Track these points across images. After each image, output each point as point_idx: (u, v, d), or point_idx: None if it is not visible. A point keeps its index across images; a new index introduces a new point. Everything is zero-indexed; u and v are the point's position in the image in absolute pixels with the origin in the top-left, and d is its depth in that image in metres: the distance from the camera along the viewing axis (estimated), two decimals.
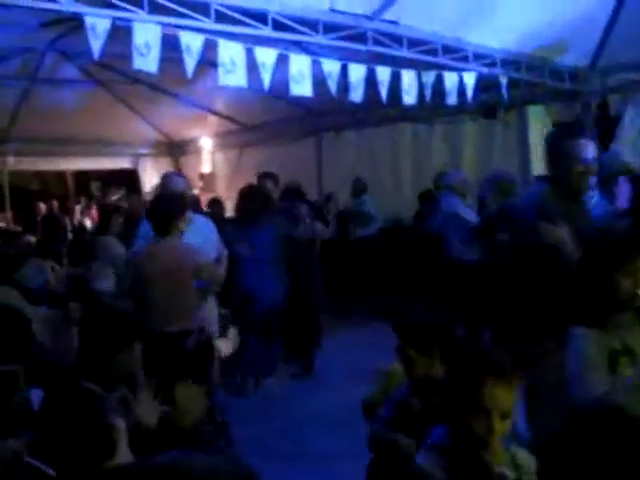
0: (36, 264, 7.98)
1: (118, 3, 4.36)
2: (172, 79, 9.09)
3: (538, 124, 8.07)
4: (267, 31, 5.03)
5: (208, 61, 6.47)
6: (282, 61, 5.27)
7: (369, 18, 5.65)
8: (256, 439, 5.18)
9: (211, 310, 5.51)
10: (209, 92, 10.03)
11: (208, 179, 12.50)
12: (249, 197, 7.03)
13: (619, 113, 7.74)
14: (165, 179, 6.10)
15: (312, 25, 5.39)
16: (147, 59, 4.42)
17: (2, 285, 5.90)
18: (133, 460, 2.15)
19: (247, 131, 11.71)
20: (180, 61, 5.81)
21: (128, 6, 4.40)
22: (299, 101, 9.41)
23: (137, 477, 2.00)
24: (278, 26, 5.13)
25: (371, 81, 5.87)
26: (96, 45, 4.27)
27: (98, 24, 4.30)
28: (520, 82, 7.32)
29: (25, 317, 5.53)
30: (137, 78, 9.75)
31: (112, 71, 9.58)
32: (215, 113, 11.36)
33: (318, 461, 4.99)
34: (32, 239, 9.32)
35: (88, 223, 13.25)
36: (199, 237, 5.34)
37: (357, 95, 5.72)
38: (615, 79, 7.76)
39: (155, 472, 1.99)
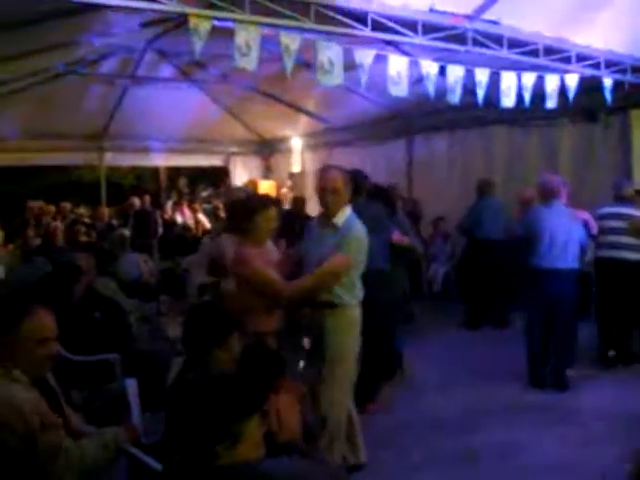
0: (130, 257, 8.24)
1: (220, 4, 4.42)
2: (265, 79, 9.24)
3: None
4: (366, 31, 5.01)
5: (301, 61, 6.54)
6: (382, 62, 5.24)
7: (469, 18, 5.55)
8: None
9: None
10: (301, 92, 10.10)
11: (297, 178, 12.58)
12: None
13: None
14: None
15: (411, 25, 5.33)
16: (248, 58, 4.46)
17: (101, 277, 6.10)
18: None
19: (337, 131, 11.73)
20: (273, 61, 5.90)
21: (231, 7, 4.46)
22: (390, 102, 9.37)
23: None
24: (377, 26, 5.10)
25: (468, 83, 5.78)
26: (198, 45, 4.34)
27: (201, 25, 4.37)
28: (624, 85, 7.03)
29: (122, 309, 5.73)
30: (230, 78, 9.91)
31: (207, 70, 9.77)
32: (306, 113, 11.42)
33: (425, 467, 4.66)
34: (126, 233, 9.58)
35: (179, 219, 13.53)
36: None
37: (454, 97, 5.63)
38: None
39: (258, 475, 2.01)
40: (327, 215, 4.16)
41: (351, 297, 4.11)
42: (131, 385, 4.19)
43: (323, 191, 4.10)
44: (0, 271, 8.98)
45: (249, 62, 4.50)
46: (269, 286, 4.02)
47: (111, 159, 12.57)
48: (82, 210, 14.10)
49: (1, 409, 2.56)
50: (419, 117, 10.12)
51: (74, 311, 5.01)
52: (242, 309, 3.70)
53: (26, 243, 8.81)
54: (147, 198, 13.50)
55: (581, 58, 6.41)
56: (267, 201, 4.48)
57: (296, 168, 12.72)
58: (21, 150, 11.21)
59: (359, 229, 4.09)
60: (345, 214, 4.12)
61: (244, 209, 4.37)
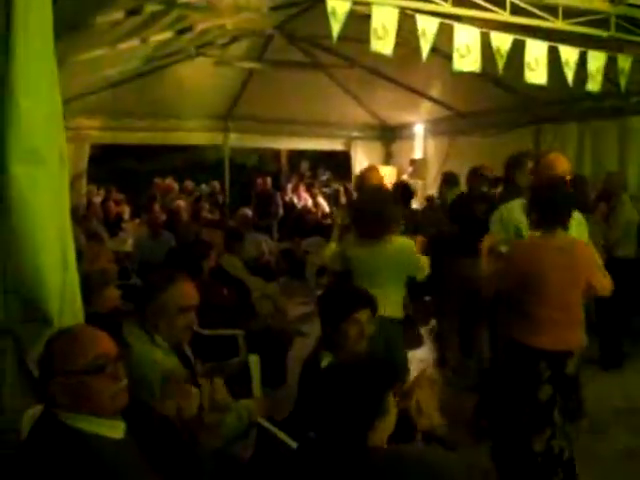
0: (253, 238, 8.43)
1: None
2: (389, 63, 9.18)
3: None
4: (505, 15, 4.87)
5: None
6: (520, 48, 5.08)
7: (612, 1, 5.29)
8: None
9: None
10: (425, 77, 9.97)
11: (419, 165, 12.45)
12: None
13: None
14: None
15: (551, 10, 5.14)
16: (384, 42, 4.44)
17: (229, 255, 6.27)
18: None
19: (460, 118, 11.50)
20: (401, 45, 5.82)
21: None
22: (517, 89, 9.10)
23: (394, 462, 2.04)
24: (515, 10, 4.95)
25: (612, 70, 5.52)
26: (336, 28, 4.34)
27: (338, 7, 4.37)
28: None
29: (247, 287, 5.87)
30: (356, 62, 9.91)
31: (333, 54, 9.81)
32: (429, 98, 11.27)
33: None
34: (249, 213, 9.79)
35: (299, 201, 13.70)
36: None
37: (595, 85, 5.39)
38: None
39: (410, 461, 2.02)
40: None
41: None
42: (253, 361, 4.29)
43: None
44: (128, 244, 9.41)
45: (385, 46, 4.47)
46: None
47: (235, 140, 12.83)
48: (204, 188, 14.53)
49: (145, 370, 2.68)
50: (547, 106, 9.76)
51: (203, 286, 5.17)
52: None
53: (153, 218, 9.15)
54: (268, 180, 13.74)
55: None
56: None
57: (418, 154, 12.58)
58: (149, 129, 11.61)
59: None
60: None
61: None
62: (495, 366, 5.01)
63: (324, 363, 3.02)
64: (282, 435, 2.79)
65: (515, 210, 4.78)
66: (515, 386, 3.98)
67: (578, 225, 4.59)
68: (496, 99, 10.12)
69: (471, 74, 5.91)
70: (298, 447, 2.42)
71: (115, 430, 2.25)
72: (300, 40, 9.59)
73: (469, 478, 2.15)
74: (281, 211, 12.29)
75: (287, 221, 11.47)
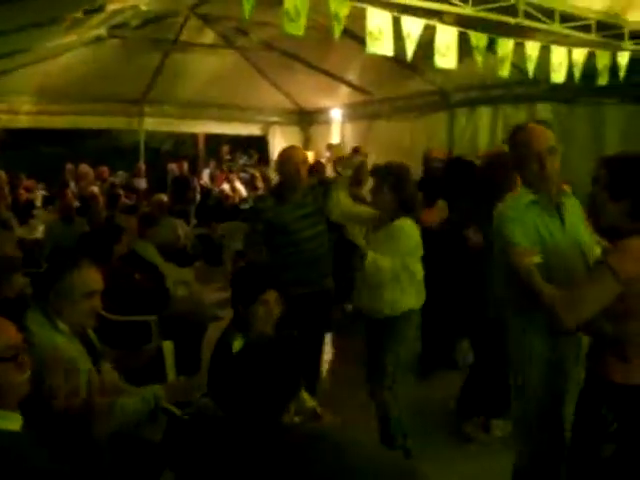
0: (168, 222, 8.29)
1: None
2: (306, 48, 9.17)
3: None
4: (414, 0, 4.91)
5: (345, 30, 6.42)
6: (431, 33, 5.14)
7: None
8: None
9: None
10: (343, 62, 10.00)
11: (336, 150, 12.47)
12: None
13: None
14: None
15: None
16: (296, 24, 4.40)
17: (141, 240, 6.15)
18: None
19: (377, 103, 11.60)
20: (317, 29, 5.82)
21: None
22: (433, 74, 9.24)
23: (309, 442, 2.04)
24: None
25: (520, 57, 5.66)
26: (247, 7, 4.28)
27: None
28: None
29: (161, 272, 5.78)
30: (272, 45, 9.85)
31: (249, 38, 9.72)
32: (347, 83, 11.31)
33: None
34: (164, 198, 9.63)
35: (216, 186, 13.56)
36: None
37: (504, 70, 5.52)
38: None
39: (326, 441, 2.03)
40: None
41: None
42: (167, 347, 4.24)
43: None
44: (39, 231, 9.13)
45: (297, 28, 4.43)
46: None
47: (151, 124, 12.60)
48: (121, 174, 14.22)
49: (45, 356, 2.61)
50: (461, 91, 9.97)
51: (114, 271, 5.06)
52: None
53: (65, 204, 8.90)
54: (185, 164, 13.56)
55: (635, 36, 6.24)
56: None
57: (335, 139, 12.63)
58: (62, 113, 11.26)
59: None
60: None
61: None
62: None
63: (235, 344, 3.03)
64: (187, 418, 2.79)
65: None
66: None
67: None
68: (412, 84, 10.26)
69: (387, 59, 6.00)
70: (201, 426, 2.39)
71: (11, 422, 2.18)
72: (215, 22, 9.45)
73: (384, 462, 2.16)
74: (198, 196, 12.15)
75: (204, 206, 11.33)
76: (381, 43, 4.75)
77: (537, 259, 3.14)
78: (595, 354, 2.89)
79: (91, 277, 2.88)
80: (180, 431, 2.70)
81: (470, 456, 4.70)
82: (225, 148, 15.26)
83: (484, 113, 9.91)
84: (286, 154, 5.12)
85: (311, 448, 2.01)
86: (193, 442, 2.21)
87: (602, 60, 6.04)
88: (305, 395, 3.32)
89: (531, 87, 8.40)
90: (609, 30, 6.05)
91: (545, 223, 3.31)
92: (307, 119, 13.65)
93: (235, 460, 2.03)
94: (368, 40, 4.73)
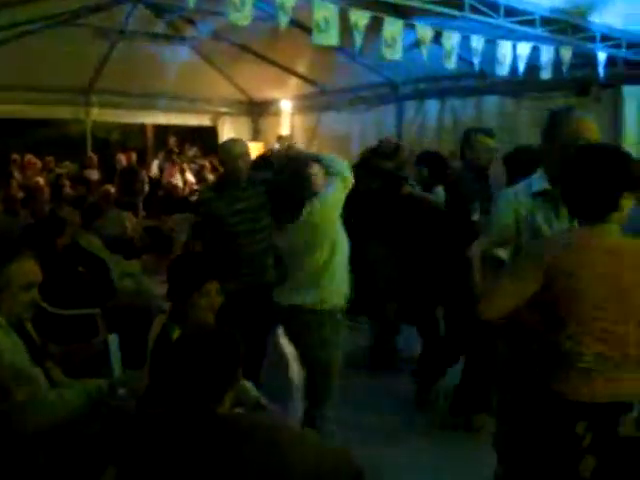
0: (115, 214, 8.17)
1: None
2: (256, 39, 9.13)
3: (633, 105, 7.72)
4: None
5: (295, 22, 6.44)
6: (378, 25, 5.17)
7: None
8: None
9: None
10: (292, 54, 9.99)
11: (286, 141, 12.47)
12: None
13: None
14: None
15: None
16: (241, 14, 4.39)
17: (86, 232, 6.05)
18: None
19: (327, 95, 11.63)
20: (266, 20, 5.81)
21: None
22: (382, 67, 9.30)
23: (247, 430, 2.03)
24: None
25: (463, 50, 5.73)
26: None
27: None
28: (618, 60, 7.01)
29: (106, 264, 5.69)
30: (222, 36, 9.78)
31: (198, 28, 9.63)
32: (297, 75, 11.31)
33: None
34: (112, 189, 9.48)
35: (166, 177, 13.39)
36: None
37: (451, 63, 5.58)
38: None
39: (265, 429, 2.02)
40: None
41: None
42: (112, 340, 4.18)
43: None
44: None
45: (242, 18, 4.42)
46: None
47: (98, 114, 12.41)
48: (68, 165, 13.94)
49: None
50: (411, 83, 10.06)
51: (57, 264, 4.97)
52: None
53: (9, 196, 8.70)
54: (133, 155, 13.36)
55: (576, 31, 6.37)
56: None
57: (285, 131, 12.62)
58: (6, 102, 11.01)
59: None
60: None
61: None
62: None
63: (174, 336, 3.00)
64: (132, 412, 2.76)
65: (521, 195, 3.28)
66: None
67: None
68: (362, 76, 10.31)
69: (337, 51, 6.01)
70: (143, 420, 2.37)
71: None
72: (164, 11, 9.34)
73: (321, 458, 2.17)
74: (146, 187, 11.97)
75: (153, 198, 11.17)
76: (327, 34, 4.76)
77: (502, 253, 3.03)
78: (547, 368, 2.59)
79: (29, 268, 2.82)
80: (122, 425, 2.67)
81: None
82: (172, 140, 15.06)
83: (432, 105, 10.01)
84: (225, 147, 4.90)
85: (244, 440, 2.01)
86: (135, 436, 2.19)
87: (546, 54, 6.15)
88: (248, 386, 3.31)
89: (478, 80, 8.52)
90: (553, 25, 6.16)
91: (547, 215, 3.07)
92: (257, 110, 13.61)
93: (173, 452, 2.02)
94: (314, 31, 4.74)
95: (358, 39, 4.97)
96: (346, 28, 5.05)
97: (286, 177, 4.00)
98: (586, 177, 2.53)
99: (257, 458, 1.97)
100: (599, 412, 2.45)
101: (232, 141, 5.02)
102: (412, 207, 5.48)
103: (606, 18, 6.46)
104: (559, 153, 2.97)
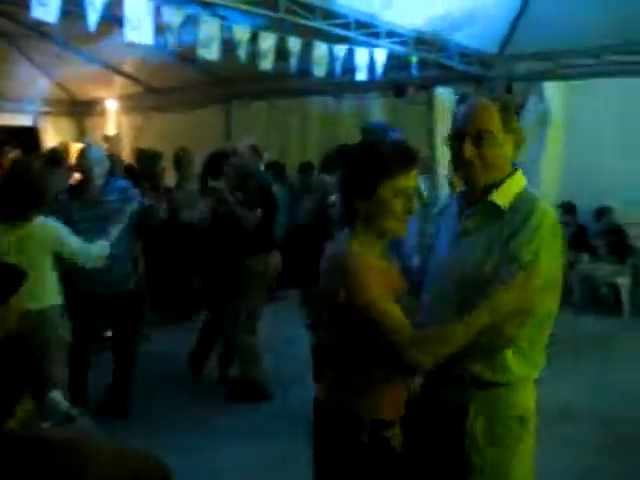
0: None
1: None
2: (79, 36, 8.77)
3: (446, 105, 8.20)
4: None
5: (116, 18, 6.25)
6: (192, 24, 5.13)
7: None
8: None
9: None
10: (116, 51, 9.70)
11: (113, 142, 12.10)
12: None
13: (522, 99, 7.99)
14: None
15: None
16: (47, 9, 4.21)
17: None
18: None
19: (154, 94, 11.39)
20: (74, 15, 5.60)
21: None
22: (209, 67, 9.24)
23: (34, 449, 1.96)
24: None
25: (282, 51, 5.81)
26: None
27: None
28: (430, 63, 7.41)
29: None
30: (43, 32, 9.33)
31: (17, 23, 9.13)
32: (121, 74, 11.01)
33: None
34: None
35: None
36: None
37: (267, 64, 5.65)
38: (520, 67, 8.02)
39: (56, 447, 1.95)
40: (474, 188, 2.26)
41: (531, 368, 2.21)
42: None
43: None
44: None
45: (48, 13, 4.24)
46: (390, 336, 2.01)
47: None
48: None
49: None
50: (238, 84, 10.07)
51: None
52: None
53: None
54: None
55: (390, 34, 6.65)
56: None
57: (111, 131, 12.24)
58: None
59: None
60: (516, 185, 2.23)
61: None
62: None
63: None
64: None
65: None
66: None
67: None
68: (189, 76, 10.19)
69: (163, 50, 5.86)
70: None
71: None
72: None
73: (119, 465, 2.13)
74: None
75: None
76: (140, 32, 4.67)
77: None
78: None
79: None
80: None
81: None
82: None
83: (259, 105, 10.11)
84: (82, 152, 4.81)
85: (29, 456, 1.94)
86: None
87: (361, 56, 6.37)
88: (57, 398, 3.18)
89: (302, 81, 8.69)
90: (367, 28, 6.39)
91: (450, 227, 2.37)
92: (81, 110, 13.08)
93: None
94: (126, 28, 4.64)
95: (171, 39, 4.92)
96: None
97: None
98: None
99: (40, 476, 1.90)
100: None
101: (89, 147, 4.96)
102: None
103: (420, 24, 6.81)
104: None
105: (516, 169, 2.23)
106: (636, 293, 7.62)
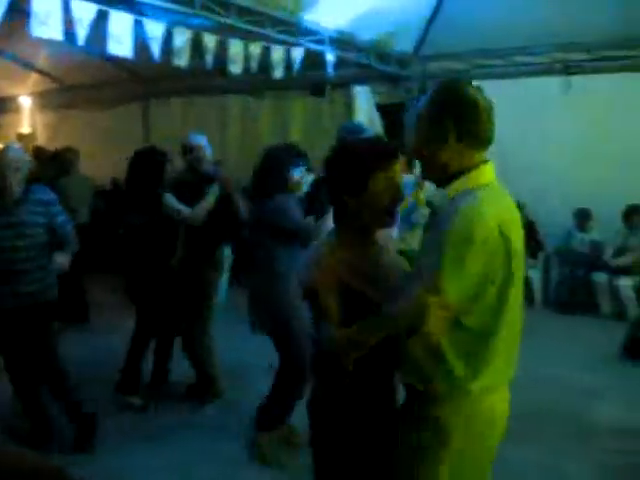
0: None
1: None
2: None
3: (364, 103, 8.31)
4: None
5: (27, 13, 6.06)
6: (104, 19, 5.04)
7: None
8: None
9: None
10: (30, 47, 9.44)
11: (27, 140, 11.76)
12: None
13: None
14: None
15: None
16: None
17: None
18: None
19: (69, 91, 11.13)
20: None
21: None
22: (125, 63, 9.07)
23: None
24: None
25: (198, 48, 5.77)
26: None
27: None
28: (348, 62, 7.49)
29: None
30: None
31: None
32: (36, 70, 10.71)
33: None
34: None
35: None
36: None
37: (182, 60, 5.59)
38: (435, 66, 8.20)
39: None
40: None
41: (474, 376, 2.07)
42: None
43: None
44: None
45: None
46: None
47: None
48: None
49: None
50: (155, 81, 9.92)
51: None
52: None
53: None
54: None
55: (307, 33, 6.68)
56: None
57: (25, 129, 11.90)
58: None
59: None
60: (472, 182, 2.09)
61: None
62: None
63: None
64: None
65: None
66: None
67: None
68: (105, 73, 9.98)
69: (76, 46, 5.70)
70: None
71: None
72: None
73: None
74: None
75: None
76: (48, 27, 4.55)
77: None
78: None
79: None
80: None
81: None
82: None
83: (178, 104, 10.00)
84: None
85: None
86: None
87: (277, 54, 6.38)
88: None
89: (221, 79, 8.64)
90: (284, 26, 6.41)
91: None
92: None
93: None
94: (33, 23, 4.51)
95: (82, 33, 4.82)
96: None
97: None
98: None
99: None
100: None
101: (5, 150, 4.62)
102: None
103: (337, 23, 6.88)
104: None
105: (479, 165, 2.08)
106: (546, 286, 7.98)
